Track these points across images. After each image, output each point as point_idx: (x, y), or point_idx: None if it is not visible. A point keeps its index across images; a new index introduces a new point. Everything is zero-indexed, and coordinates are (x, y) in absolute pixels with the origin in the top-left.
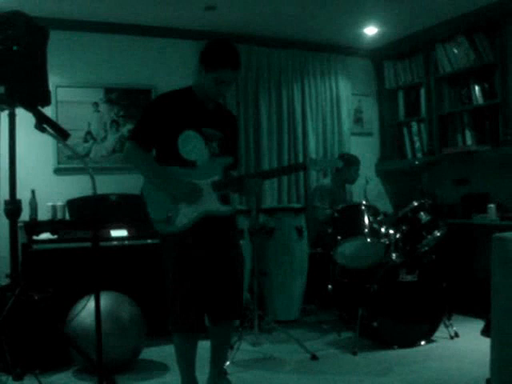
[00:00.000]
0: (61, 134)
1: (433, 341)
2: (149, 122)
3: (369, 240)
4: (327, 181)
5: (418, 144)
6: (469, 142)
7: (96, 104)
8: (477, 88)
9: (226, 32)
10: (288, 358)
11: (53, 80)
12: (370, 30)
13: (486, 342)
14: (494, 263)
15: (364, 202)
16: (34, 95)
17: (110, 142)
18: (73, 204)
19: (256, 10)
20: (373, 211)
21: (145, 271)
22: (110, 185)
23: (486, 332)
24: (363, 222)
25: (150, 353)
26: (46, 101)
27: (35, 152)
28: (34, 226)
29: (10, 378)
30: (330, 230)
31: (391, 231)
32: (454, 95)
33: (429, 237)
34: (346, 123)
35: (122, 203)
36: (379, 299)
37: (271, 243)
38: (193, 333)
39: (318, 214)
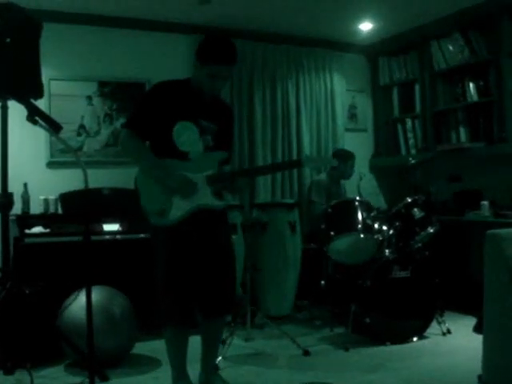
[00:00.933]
0: (53, 126)
1: (425, 337)
2: (145, 110)
3: (362, 236)
4: (323, 176)
5: (412, 140)
6: (463, 138)
7: (89, 97)
8: (471, 85)
9: (221, 26)
10: (280, 353)
11: (46, 73)
12: (365, 26)
13: (478, 339)
14: (487, 260)
15: (357, 198)
16: (26, 88)
17: (104, 136)
18: (65, 198)
19: (251, 5)
20: (366, 207)
21: (137, 266)
22: (102, 179)
23: (478, 329)
24: (356, 217)
25: (142, 347)
26: (39, 93)
27: (28, 145)
28: (26, 219)
29: (1, 372)
30: (323, 226)
31: (384, 227)
32: (448, 92)
33: (422, 233)
34: (340, 119)
35: (114, 197)
36: (372, 295)
37: (264, 238)
38: (184, 325)
39: (315, 209)
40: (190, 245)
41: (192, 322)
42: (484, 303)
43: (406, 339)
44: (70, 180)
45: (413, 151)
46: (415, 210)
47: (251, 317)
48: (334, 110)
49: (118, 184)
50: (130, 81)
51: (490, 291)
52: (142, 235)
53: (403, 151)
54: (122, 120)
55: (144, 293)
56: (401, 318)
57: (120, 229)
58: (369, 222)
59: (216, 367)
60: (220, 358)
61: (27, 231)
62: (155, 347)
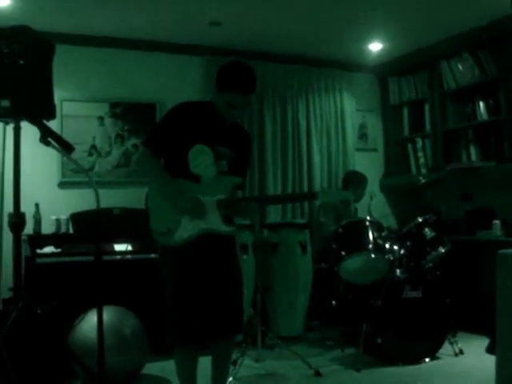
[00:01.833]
0: (65, 147)
1: (437, 358)
2: (165, 130)
3: (373, 256)
4: None
5: (422, 160)
6: (473, 157)
7: (101, 118)
8: (481, 104)
9: (231, 47)
10: (291, 374)
11: (58, 94)
12: (375, 46)
13: (491, 360)
14: (499, 280)
15: (368, 218)
16: (39, 109)
17: (115, 157)
18: (76, 218)
19: (260, 26)
20: (377, 227)
21: (148, 286)
22: (113, 199)
23: (491, 349)
24: (367, 237)
25: (153, 368)
26: (51, 114)
27: (40, 165)
28: (38, 239)
29: None
30: (334, 246)
31: (395, 247)
32: (458, 111)
33: (433, 253)
34: (351, 139)
35: (125, 217)
36: (383, 315)
37: (275, 258)
38: (192, 346)
39: (323, 230)
40: (197, 266)
41: (201, 343)
42: (496, 323)
43: (418, 360)
44: (81, 200)
45: (423, 171)
46: (426, 229)
47: (262, 337)
48: (344, 130)
49: (129, 204)
50: (142, 102)
51: (502, 311)
52: (153, 255)
53: (414, 171)
54: (133, 141)
55: (155, 313)
56: (413, 338)
57: (131, 249)
58: (380, 241)
59: None
60: (231, 378)
61: (39, 251)
62: (166, 367)
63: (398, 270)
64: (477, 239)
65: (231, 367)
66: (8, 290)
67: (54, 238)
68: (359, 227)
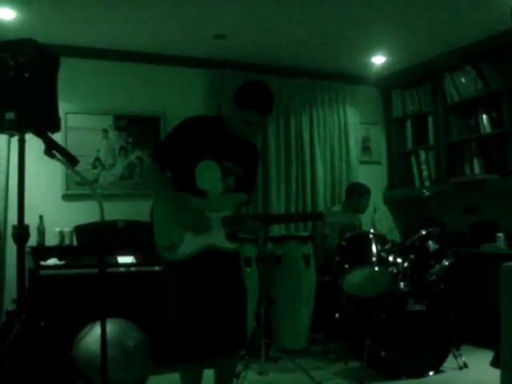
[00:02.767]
0: (70, 160)
1: (441, 371)
2: (172, 144)
3: (376, 269)
4: (337, 208)
5: (425, 172)
6: (477, 170)
7: (105, 131)
8: (484, 117)
9: (236, 61)
10: None
11: (63, 106)
12: (378, 59)
13: (495, 373)
14: (504, 293)
15: (372, 231)
16: (43, 121)
17: (119, 169)
18: (80, 230)
19: (265, 40)
20: (381, 240)
21: (152, 298)
22: (117, 211)
23: (495, 363)
24: (371, 250)
25: (156, 381)
26: (56, 127)
27: (44, 177)
28: (42, 251)
29: None
30: (337, 259)
31: (399, 260)
32: (461, 124)
33: (437, 266)
34: (354, 152)
35: (129, 230)
36: (387, 328)
37: (278, 271)
38: (196, 361)
39: (328, 243)
40: (200, 281)
41: (204, 358)
42: (501, 336)
43: (422, 373)
44: (85, 212)
45: (427, 183)
46: (430, 242)
47: (265, 350)
48: (347, 143)
49: (133, 216)
50: (146, 115)
51: (506, 324)
52: (157, 267)
53: (417, 183)
54: (137, 153)
55: (158, 325)
56: (417, 351)
57: (134, 261)
58: (383, 254)
59: None
60: None
61: (42, 263)
62: (169, 380)
63: (401, 283)
64: (481, 252)
65: (234, 380)
66: (11, 302)
67: (58, 250)
68: (363, 240)
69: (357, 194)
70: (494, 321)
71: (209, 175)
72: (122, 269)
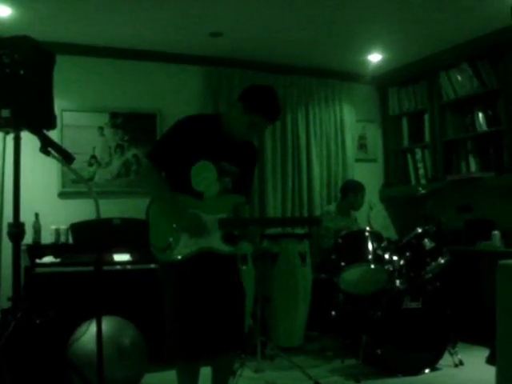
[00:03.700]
0: (65, 157)
1: (437, 369)
2: (168, 144)
3: (372, 266)
4: (333, 207)
5: (421, 170)
6: (473, 168)
7: (101, 128)
8: (480, 115)
9: (232, 58)
10: None
11: (59, 104)
12: (374, 57)
13: (491, 370)
14: (499, 290)
15: (368, 229)
16: (39, 119)
17: (115, 167)
18: (76, 228)
19: (261, 37)
20: (376, 237)
21: (147, 296)
22: (113, 209)
23: (491, 360)
24: (367, 248)
25: (152, 378)
26: (52, 124)
27: (40, 175)
28: (37, 249)
29: None
30: (333, 256)
31: (395, 258)
32: (457, 122)
33: (433, 264)
34: (350, 149)
35: (125, 227)
36: (383, 326)
37: (275, 269)
38: (193, 361)
39: (324, 243)
40: (197, 282)
41: (201, 359)
42: (497, 334)
43: (417, 371)
44: (81, 210)
45: (423, 181)
46: (426, 240)
47: (262, 348)
48: (343, 141)
49: (129, 214)
50: (142, 112)
51: (502, 322)
52: (153, 265)
53: (413, 181)
54: (133, 151)
55: (154, 323)
56: (412, 349)
57: (130, 259)
58: (379, 252)
59: None
60: None
61: (38, 261)
62: (165, 378)
63: (397, 281)
64: (477, 250)
65: (231, 378)
66: (7, 300)
67: (54, 248)
68: (359, 238)
69: (353, 191)
70: (489, 318)
71: (205, 176)
72: (117, 266)
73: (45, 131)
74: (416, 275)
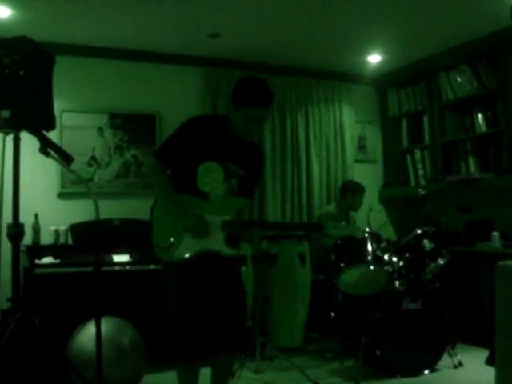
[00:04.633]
0: (65, 158)
1: (436, 370)
2: (176, 144)
3: (372, 267)
4: (332, 207)
5: (421, 171)
6: (472, 169)
7: (100, 129)
8: (480, 116)
9: (231, 59)
10: None
11: (58, 105)
12: (374, 58)
13: (490, 371)
14: (498, 291)
15: (367, 230)
16: (39, 119)
17: (114, 167)
18: (76, 228)
19: (260, 38)
20: (376, 238)
21: (147, 297)
22: (113, 210)
23: (490, 361)
24: (366, 249)
25: (152, 379)
26: (51, 125)
27: (39, 176)
28: (37, 249)
29: None
30: (333, 258)
31: (394, 259)
32: (457, 123)
33: (432, 265)
34: (350, 150)
35: (124, 228)
36: (382, 327)
37: (274, 270)
38: (194, 361)
39: (322, 242)
40: (199, 283)
41: (201, 358)
42: (496, 335)
43: (417, 372)
44: (80, 211)
45: (422, 182)
46: (425, 241)
47: (261, 349)
48: (343, 142)
49: (128, 215)
50: (141, 113)
51: (501, 323)
52: (152, 266)
53: (412, 182)
54: (132, 151)
55: (154, 324)
56: (412, 350)
57: (130, 259)
58: (379, 253)
59: None
60: None
61: (37, 261)
62: (164, 379)
63: (397, 282)
64: (476, 251)
65: (230, 378)
66: (6, 301)
67: (53, 249)
68: (358, 239)
69: (351, 192)
70: (489, 319)
71: (211, 177)
72: (117, 267)
73: (44, 132)
74: (415, 276)
